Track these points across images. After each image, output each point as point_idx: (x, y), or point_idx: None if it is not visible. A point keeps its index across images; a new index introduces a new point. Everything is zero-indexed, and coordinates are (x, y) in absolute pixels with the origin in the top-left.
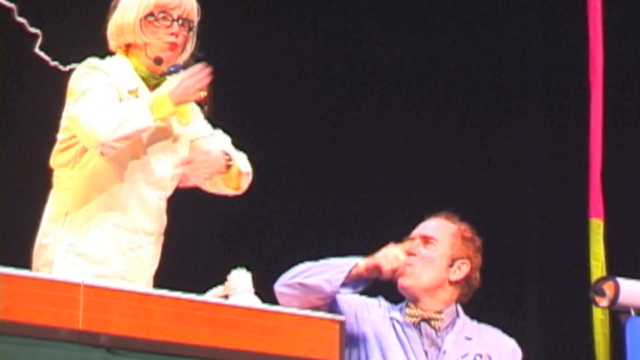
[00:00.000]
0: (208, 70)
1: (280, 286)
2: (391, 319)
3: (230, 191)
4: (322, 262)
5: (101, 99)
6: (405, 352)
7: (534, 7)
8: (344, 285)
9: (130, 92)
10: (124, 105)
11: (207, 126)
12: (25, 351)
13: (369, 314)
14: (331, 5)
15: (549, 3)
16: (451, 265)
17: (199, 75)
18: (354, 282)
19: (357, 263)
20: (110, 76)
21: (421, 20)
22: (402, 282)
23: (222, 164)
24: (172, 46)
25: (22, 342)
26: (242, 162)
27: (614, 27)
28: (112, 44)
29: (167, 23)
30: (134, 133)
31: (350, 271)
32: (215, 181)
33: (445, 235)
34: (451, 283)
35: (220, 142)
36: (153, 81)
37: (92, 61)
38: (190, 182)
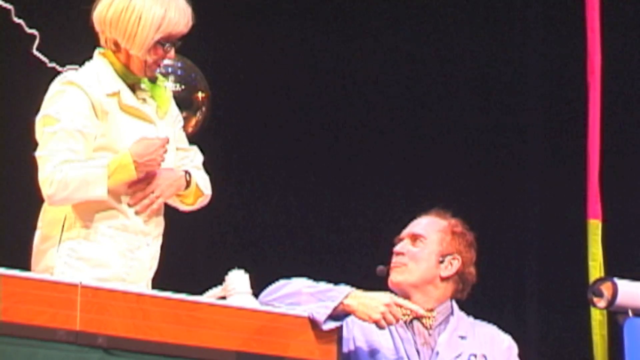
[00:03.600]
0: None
1: (262, 304)
2: None
3: (183, 207)
4: (308, 287)
5: (63, 150)
6: (397, 351)
7: (532, 8)
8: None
9: (111, 95)
10: (84, 171)
11: (184, 136)
12: (23, 352)
13: None
14: (326, 5)
15: (547, 4)
16: (442, 262)
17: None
18: (338, 315)
19: (342, 301)
20: (85, 90)
21: (420, 20)
22: (393, 278)
23: (182, 184)
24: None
25: (20, 343)
26: (203, 184)
27: (611, 28)
28: (102, 36)
29: (169, 48)
30: (85, 199)
31: (335, 308)
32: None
33: (434, 232)
34: (443, 279)
35: (189, 161)
36: (133, 80)
37: (67, 75)
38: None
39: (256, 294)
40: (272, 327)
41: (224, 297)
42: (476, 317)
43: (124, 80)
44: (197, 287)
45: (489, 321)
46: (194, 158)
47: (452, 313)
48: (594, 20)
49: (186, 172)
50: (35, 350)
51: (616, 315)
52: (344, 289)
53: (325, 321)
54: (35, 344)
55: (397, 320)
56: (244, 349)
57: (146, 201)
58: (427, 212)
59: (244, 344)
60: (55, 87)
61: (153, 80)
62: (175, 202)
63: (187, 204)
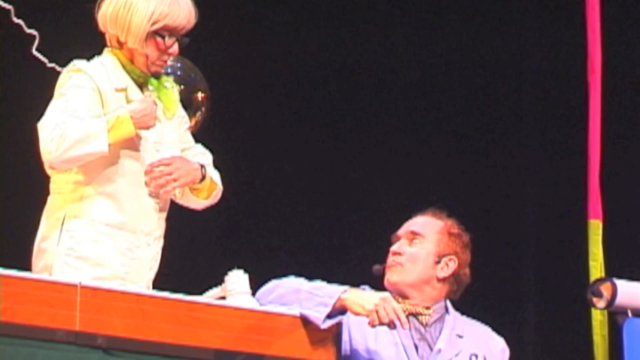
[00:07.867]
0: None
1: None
2: None
3: (197, 202)
4: (303, 286)
5: (65, 113)
6: (395, 344)
7: (532, 9)
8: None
9: (119, 90)
10: (84, 124)
11: (190, 137)
12: (22, 352)
13: None
14: (327, 5)
15: (547, 4)
16: (438, 262)
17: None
18: (335, 313)
19: (340, 297)
20: (93, 79)
21: (420, 22)
22: (390, 278)
23: (198, 176)
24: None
25: (20, 344)
26: (217, 178)
27: (612, 28)
28: (107, 33)
29: (171, 42)
30: (86, 155)
31: (333, 305)
32: (183, 191)
33: (431, 232)
34: (439, 280)
35: (201, 156)
36: (143, 79)
37: (76, 63)
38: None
39: (255, 295)
40: (271, 327)
41: (223, 297)
42: (475, 318)
43: (131, 77)
44: (196, 288)
45: (488, 322)
46: (203, 157)
47: (447, 312)
48: (594, 20)
49: (201, 165)
50: (35, 351)
51: (615, 316)
52: (339, 287)
53: (323, 320)
54: (35, 344)
55: (389, 321)
56: (243, 349)
57: (161, 181)
58: (424, 212)
59: (243, 344)
60: (63, 75)
61: (157, 76)
62: (188, 200)
63: (201, 199)
